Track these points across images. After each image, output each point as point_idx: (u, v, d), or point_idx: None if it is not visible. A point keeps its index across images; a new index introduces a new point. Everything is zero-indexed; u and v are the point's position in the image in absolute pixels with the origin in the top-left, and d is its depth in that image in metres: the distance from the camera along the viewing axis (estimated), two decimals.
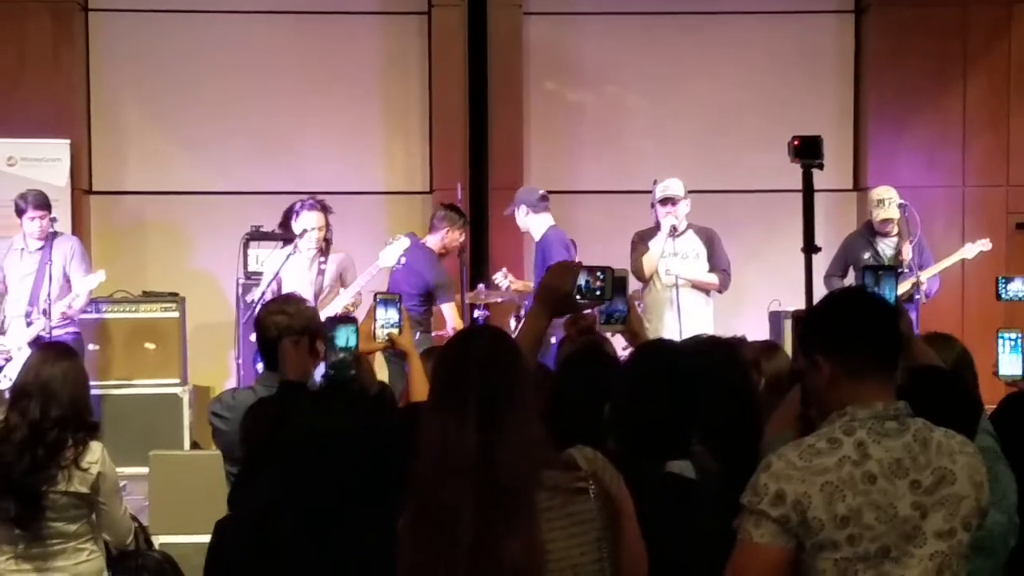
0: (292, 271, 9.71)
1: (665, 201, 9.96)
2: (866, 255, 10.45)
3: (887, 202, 10.51)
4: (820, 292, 4.43)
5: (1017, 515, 4.34)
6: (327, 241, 9.77)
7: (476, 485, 3.40)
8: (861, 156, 12.98)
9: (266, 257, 10.41)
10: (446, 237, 10.22)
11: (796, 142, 5.23)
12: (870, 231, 10.70)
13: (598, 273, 4.17)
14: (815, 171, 5.40)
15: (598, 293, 4.18)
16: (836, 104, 13.11)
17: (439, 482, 3.42)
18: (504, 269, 10.85)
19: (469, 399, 3.47)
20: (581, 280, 4.14)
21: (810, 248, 4.97)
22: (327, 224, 9.76)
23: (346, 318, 4.72)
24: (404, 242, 9.65)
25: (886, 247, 10.58)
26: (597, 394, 4.33)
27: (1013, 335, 5.27)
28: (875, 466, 3.41)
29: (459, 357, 3.61)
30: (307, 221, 9.67)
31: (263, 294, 9.46)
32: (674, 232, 9.88)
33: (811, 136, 5.19)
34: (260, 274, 10.49)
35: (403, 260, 9.65)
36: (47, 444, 5.48)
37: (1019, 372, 5.21)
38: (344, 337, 4.54)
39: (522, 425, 3.47)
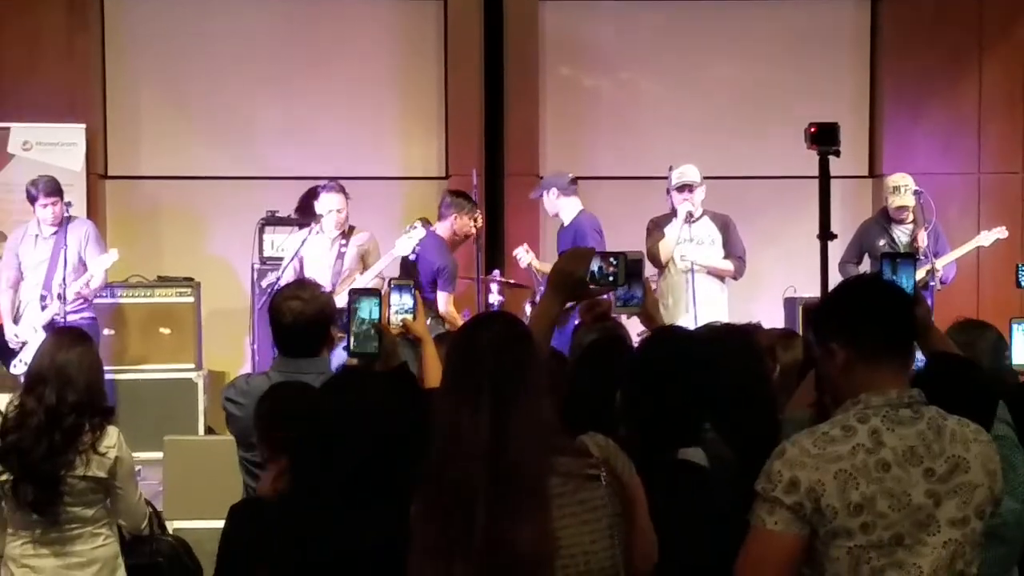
0: (313, 252, 9.79)
1: (682, 187, 9.99)
2: (881, 242, 10.44)
3: (903, 189, 10.50)
4: (835, 279, 4.42)
5: None
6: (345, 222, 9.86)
7: (489, 470, 3.40)
8: (877, 143, 12.95)
9: (282, 241, 10.44)
10: (455, 224, 10.19)
11: (813, 129, 5.23)
12: (885, 218, 10.69)
13: (611, 259, 4.17)
14: (831, 158, 5.40)
15: (611, 279, 4.17)
16: (852, 90, 13.08)
17: (452, 467, 3.42)
18: (525, 245, 10.80)
19: (482, 384, 3.47)
20: (594, 266, 4.14)
21: (826, 235, 4.97)
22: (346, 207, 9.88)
23: (370, 290, 4.64)
24: (421, 232, 9.71)
25: (901, 234, 10.57)
26: (611, 384, 4.34)
27: None
28: (889, 454, 3.41)
29: (471, 343, 3.60)
30: (329, 203, 9.77)
31: (278, 279, 9.50)
32: (690, 218, 9.90)
33: (828, 123, 5.19)
34: (275, 259, 10.54)
35: (417, 250, 9.69)
36: (64, 429, 5.49)
37: None
38: (367, 309, 4.48)
39: (534, 410, 3.48)
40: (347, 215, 9.89)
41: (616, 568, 3.55)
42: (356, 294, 4.50)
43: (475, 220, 10.32)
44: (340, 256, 9.83)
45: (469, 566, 3.36)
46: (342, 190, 9.91)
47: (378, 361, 4.39)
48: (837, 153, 5.15)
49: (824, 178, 5.08)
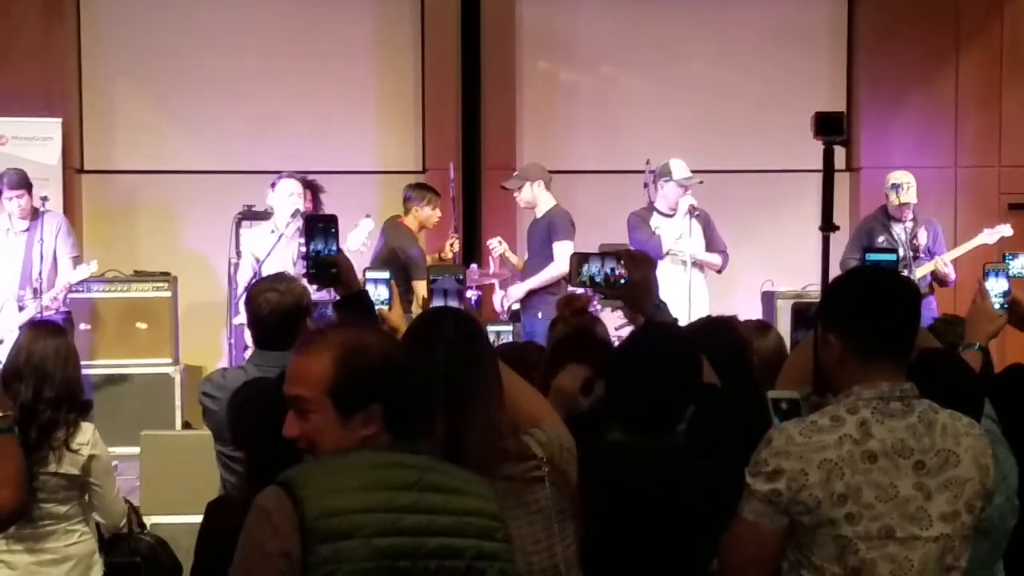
0: (267, 248, 9.73)
1: (685, 184, 10.21)
2: (881, 239, 10.44)
3: (906, 187, 10.50)
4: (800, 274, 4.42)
5: (1017, 497, 4.34)
6: (309, 212, 9.75)
7: None
8: (854, 137, 12.95)
9: (250, 237, 10.38)
10: (419, 214, 10.44)
11: (818, 118, 5.19)
12: (885, 215, 10.69)
13: (620, 260, 4.13)
14: (808, 150, 5.38)
15: (623, 281, 4.14)
16: (829, 85, 13.08)
17: None
18: (499, 237, 10.85)
19: (437, 384, 3.48)
20: (607, 268, 4.11)
21: (828, 227, 4.90)
22: (315, 199, 9.84)
23: (326, 216, 4.44)
24: (369, 224, 9.91)
25: (901, 231, 10.58)
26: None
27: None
28: (877, 445, 3.42)
29: (425, 341, 3.62)
30: (287, 187, 9.79)
31: (252, 279, 9.45)
32: (692, 212, 10.03)
33: (834, 112, 5.14)
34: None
35: (367, 243, 9.93)
36: (40, 426, 5.45)
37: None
38: (323, 241, 4.29)
39: (487, 412, 3.48)
40: (320, 210, 9.82)
41: (556, 564, 3.56)
42: (312, 222, 4.36)
43: (436, 209, 10.55)
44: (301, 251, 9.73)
45: None
46: (307, 184, 9.97)
47: (338, 287, 4.31)
48: (843, 143, 5.10)
49: (828, 169, 5.02)
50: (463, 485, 3.12)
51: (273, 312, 5.11)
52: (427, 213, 10.48)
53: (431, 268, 5.07)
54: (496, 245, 10.75)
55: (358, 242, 9.69)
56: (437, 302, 4.37)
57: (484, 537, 3.06)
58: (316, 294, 5.72)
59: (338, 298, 4.31)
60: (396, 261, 9.92)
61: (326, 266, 4.15)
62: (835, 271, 4.61)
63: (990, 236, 10.83)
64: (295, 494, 2.98)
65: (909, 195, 10.49)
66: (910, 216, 10.60)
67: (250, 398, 4.33)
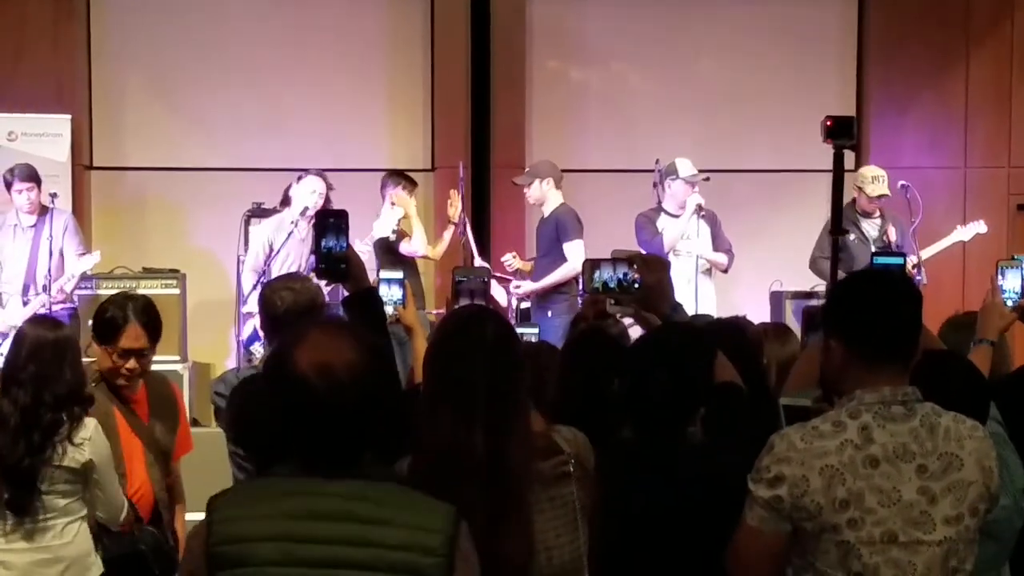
0: (284, 248, 9.76)
1: (692, 181, 10.25)
2: (852, 236, 10.44)
3: (882, 179, 10.52)
4: (808, 276, 4.40)
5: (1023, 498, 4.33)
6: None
7: (485, 487, 3.40)
8: (863, 137, 12.93)
9: (259, 229, 10.41)
10: (393, 197, 10.58)
11: (829, 123, 5.19)
12: (854, 212, 10.65)
13: (633, 264, 4.13)
14: (817, 151, 5.38)
15: (636, 285, 4.14)
16: (839, 85, 13.08)
17: (451, 485, 3.36)
18: (513, 252, 10.95)
19: (477, 395, 3.46)
20: (619, 273, 4.10)
21: (838, 230, 4.91)
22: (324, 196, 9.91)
23: (336, 212, 4.33)
24: (398, 211, 10.17)
25: (871, 227, 10.59)
26: (597, 375, 4.32)
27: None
28: (879, 450, 3.41)
29: (464, 347, 3.58)
30: (312, 184, 9.92)
31: (263, 272, 9.49)
32: (699, 211, 10.05)
33: (844, 117, 5.16)
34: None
35: (396, 230, 10.16)
36: (42, 427, 5.43)
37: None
38: (334, 238, 4.21)
39: (523, 418, 3.47)
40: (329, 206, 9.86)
41: (578, 561, 3.56)
42: (323, 217, 4.30)
43: (410, 192, 10.71)
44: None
45: None
46: (323, 178, 10.03)
47: (348, 283, 4.29)
48: (853, 147, 5.13)
49: (838, 172, 5.03)
50: (395, 516, 2.96)
51: (288, 311, 5.11)
52: (402, 195, 10.63)
53: (457, 269, 5.05)
54: (511, 260, 10.82)
55: (388, 229, 9.75)
56: (463, 302, 4.35)
57: (404, 573, 2.93)
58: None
59: (346, 295, 4.29)
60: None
61: (337, 262, 4.13)
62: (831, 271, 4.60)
63: (964, 233, 10.87)
64: (209, 518, 3.00)
65: (885, 187, 10.50)
66: (877, 212, 10.61)
67: (249, 396, 4.35)
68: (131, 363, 5.53)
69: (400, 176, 10.83)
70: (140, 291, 10.95)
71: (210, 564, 2.95)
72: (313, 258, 4.27)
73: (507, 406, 3.45)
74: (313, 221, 9.38)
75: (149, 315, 5.57)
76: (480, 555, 3.09)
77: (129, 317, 5.49)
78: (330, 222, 4.13)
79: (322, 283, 5.11)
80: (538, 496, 3.50)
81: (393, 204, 10.46)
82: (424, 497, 3.10)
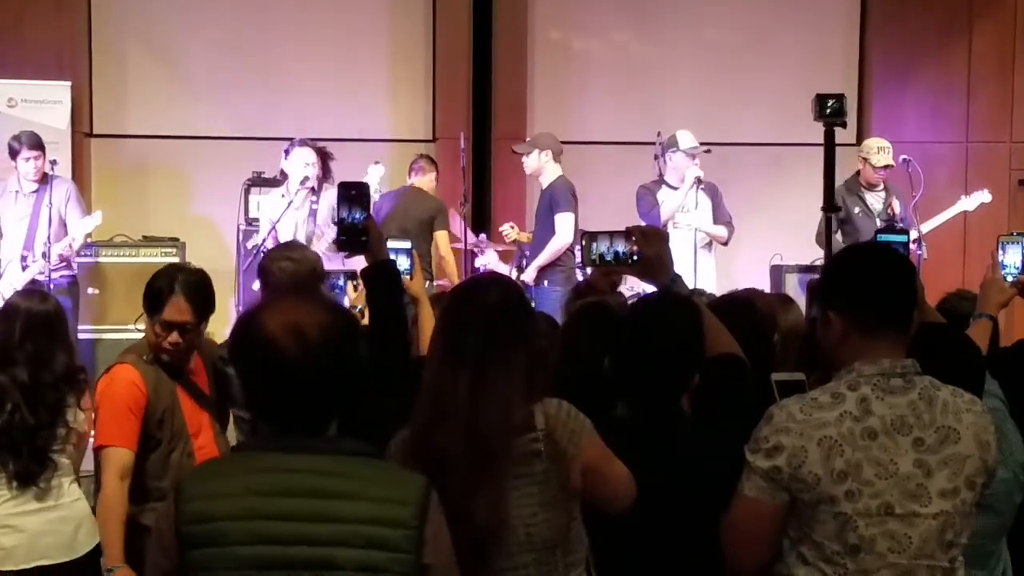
0: (284, 216, 9.72)
1: (692, 153, 10.19)
2: (856, 209, 10.44)
3: (887, 150, 10.51)
4: (815, 250, 4.40)
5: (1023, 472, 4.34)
6: (318, 179, 9.69)
7: (464, 438, 3.45)
8: (865, 111, 12.93)
9: (264, 203, 10.39)
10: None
11: (818, 100, 5.18)
12: (858, 184, 10.65)
13: (632, 236, 4.12)
14: (818, 124, 5.36)
15: (635, 257, 4.13)
16: (841, 58, 13.06)
17: (434, 434, 3.49)
18: (511, 223, 10.94)
19: (468, 352, 3.52)
20: (617, 247, 4.10)
21: (830, 207, 4.90)
22: (324, 166, 9.77)
23: (358, 184, 4.30)
24: (380, 168, 10.36)
25: (875, 200, 10.58)
26: (598, 348, 4.31)
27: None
28: (877, 422, 3.41)
29: (464, 308, 3.64)
30: (303, 156, 9.67)
31: (263, 241, 9.45)
32: (699, 183, 10.04)
33: (834, 94, 5.14)
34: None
35: (379, 189, 10.32)
36: (48, 406, 5.40)
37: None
38: (348, 210, 4.21)
39: (512, 385, 3.49)
40: (330, 177, 9.78)
41: (556, 540, 3.56)
42: (344, 189, 4.23)
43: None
44: (312, 214, 9.67)
45: None
46: (318, 151, 9.84)
47: (367, 255, 4.28)
48: (844, 124, 5.11)
49: (830, 149, 5.01)
50: (364, 489, 2.94)
51: (288, 280, 5.11)
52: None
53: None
54: (509, 231, 10.82)
55: (371, 188, 9.74)
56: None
57: (374, 547, 2.90)
58: (329, 263, 5.71)
59: (365, 265, 4.29)
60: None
61: (356, 233, 4.12)
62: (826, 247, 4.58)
63: (969, 203, 10.84)
64: (176, 497, 2.99)
65: (890, 158, 10.50)
66: (881, 185, 10.60)
67: None
68: (173, 336, 5.21)
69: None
70: (140, 259, 11.04)
71: (181, 544, 2.94)
72: (310, 226, 4.28)
73: (496, 368, 3.48)
74: (310, 192, 9.46)
75: (198, 289, 5.30)
76: (451, 520, 3.09)
77: (175, 289, 5.17)
78: (351, 194, 4.13)
79: (341, 254, 5.07)
80: (514, 471, 3.51)
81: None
82: (395, 468, 3.12)
